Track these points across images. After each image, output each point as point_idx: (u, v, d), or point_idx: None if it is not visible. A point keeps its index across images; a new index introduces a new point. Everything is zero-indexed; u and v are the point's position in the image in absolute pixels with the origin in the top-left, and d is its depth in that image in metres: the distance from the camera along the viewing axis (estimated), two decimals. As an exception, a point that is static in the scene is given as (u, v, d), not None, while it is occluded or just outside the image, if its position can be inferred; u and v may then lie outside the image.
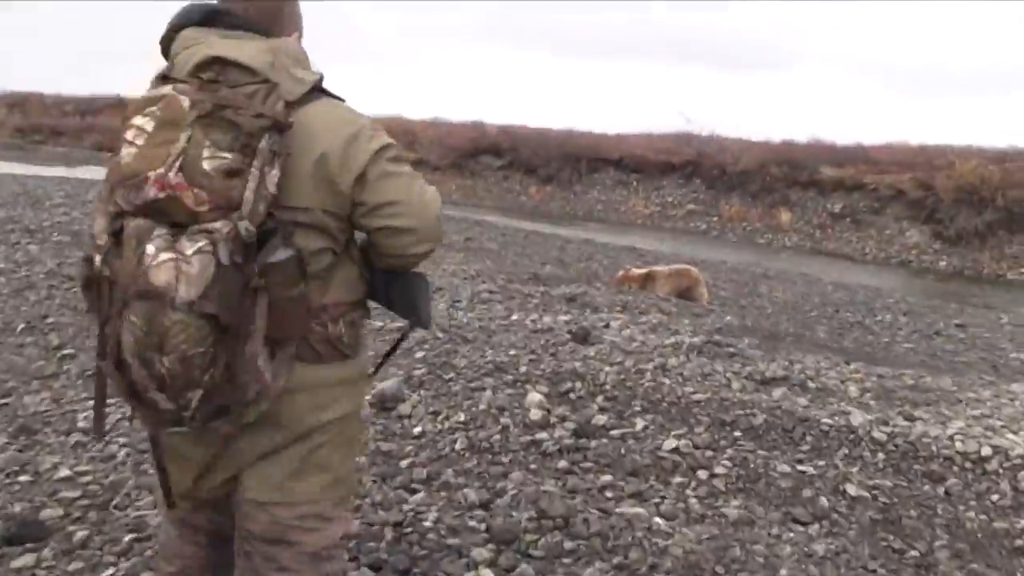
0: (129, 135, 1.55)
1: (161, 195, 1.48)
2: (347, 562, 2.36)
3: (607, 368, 5.33)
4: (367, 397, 4.01)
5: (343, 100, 1.78)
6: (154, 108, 1.56)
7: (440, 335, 5.88)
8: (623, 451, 4.16)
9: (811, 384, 5.60)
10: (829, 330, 9.09)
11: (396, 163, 1.77)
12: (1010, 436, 4.73)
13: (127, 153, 1.54)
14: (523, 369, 5.20)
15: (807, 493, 3.98)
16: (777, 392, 5.24)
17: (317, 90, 1.72)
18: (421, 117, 34.11)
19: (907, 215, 19.84)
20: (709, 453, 4.27)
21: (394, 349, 2.19)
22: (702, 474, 4.04)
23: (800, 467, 4.24)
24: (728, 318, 8.65)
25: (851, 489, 4.05)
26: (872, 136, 24.38)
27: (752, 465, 4.19)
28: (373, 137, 1.73)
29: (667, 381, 5.22)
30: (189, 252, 1.45)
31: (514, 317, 6.71)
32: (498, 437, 4.11)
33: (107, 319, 1.54)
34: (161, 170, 1.49)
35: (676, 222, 22.93)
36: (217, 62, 1.62)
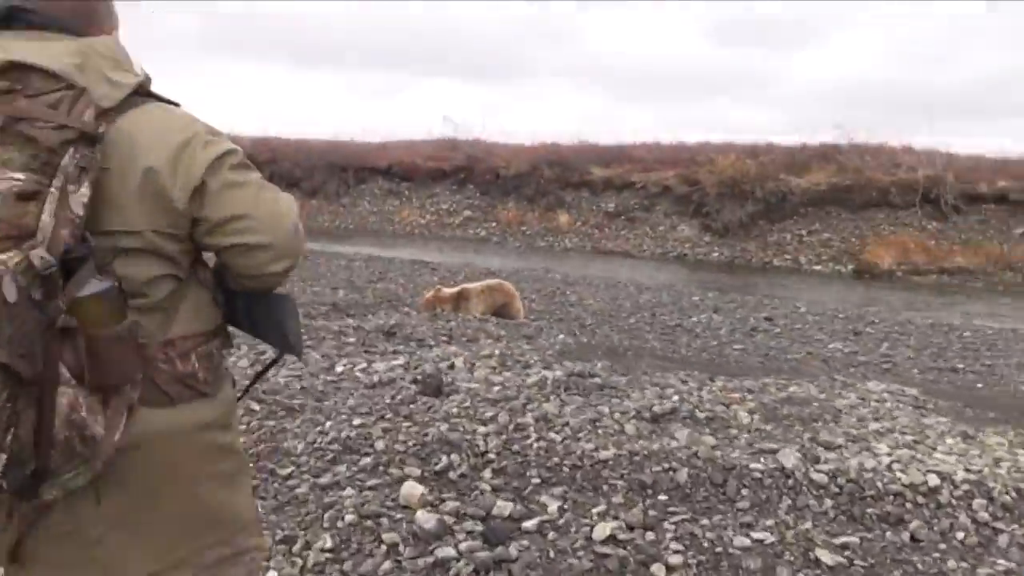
0: None
1: None
2: None
3: (481, 429, 4.26)
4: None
5: (176, 104, 1.53)
6: None
7: (255, 407, 4.50)
8: (551, 554, 3.12)
9: (699, 414, 4.89)
10: (658, 338, 8.64)
11: (240, 171, 1.53)
12: (939, 456, 4.27)
13: None
14: (379, 445, 4.00)
15: (783, 572, 3.17)
16: (679, 433, 4.45)
17: (142, 94, 1.46)
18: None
19: (676, 211, 20.50)
20: (650, 535, 3.35)
21: (258, 377, 1.99)
22: (658, 570, 3.10)
23: (754, 534, 3.44)
24: (560, 336, 7.91)
25: (823, 556, 3.31)
26: (603, 137, 24.95)
27: (705, 544, 3.32)
28: (209, 143, 1.48)
29: (557, 437, 4.25)
30: None
31: (339, 368, 5.43)
32: (388, 566, 2.90)
33: None
34: None
35: (454, 230, 22.20)
36: (15, 68, 1.32)
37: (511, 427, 4.35)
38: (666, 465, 3.98)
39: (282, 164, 26.17)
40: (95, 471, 1.34)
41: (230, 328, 1.70)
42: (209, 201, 1.47)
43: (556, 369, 5.73)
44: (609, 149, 23.97)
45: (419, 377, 5.16)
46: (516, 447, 4.09)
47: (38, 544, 1.46)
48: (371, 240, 20.32)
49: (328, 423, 4.27)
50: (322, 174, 25.57)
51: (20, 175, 1.26)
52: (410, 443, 4.05)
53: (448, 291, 9.26)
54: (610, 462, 3.99)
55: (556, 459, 3.99)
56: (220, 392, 1.61)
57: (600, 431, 4.43)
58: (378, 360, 5.73)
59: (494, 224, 22.07)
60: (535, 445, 4.12)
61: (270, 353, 2.06)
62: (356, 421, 4.29)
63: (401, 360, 5.72)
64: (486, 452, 4.01)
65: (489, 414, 4.50)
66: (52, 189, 1.27)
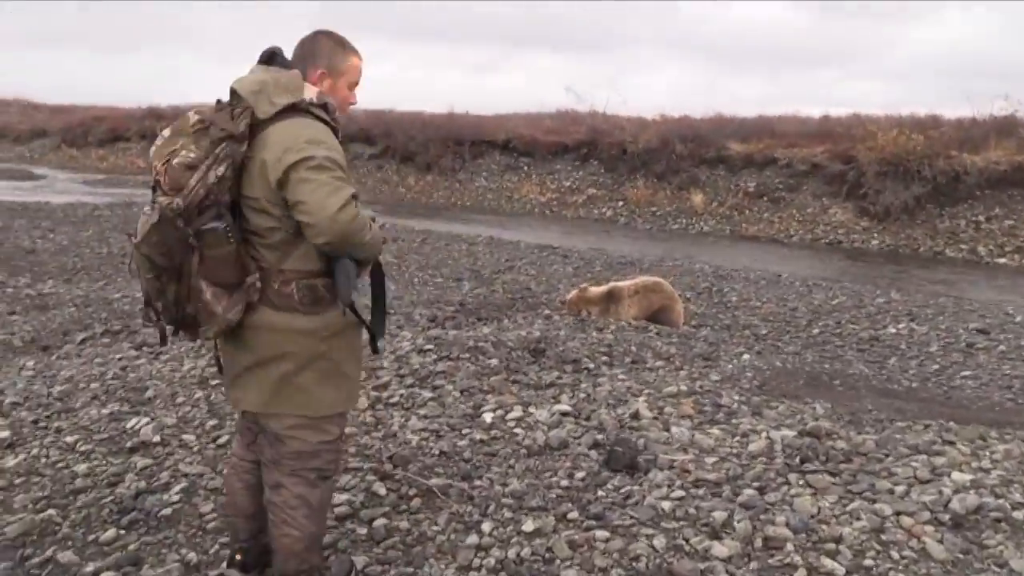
0: (157, 140, 2.26)
1: (157, 178, 2.18)
2: (340, 453, 2.61)
3: (716, 549, 2.80)
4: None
5: (315, 118, 2.29)
6: (176, 123, 2.27)
7: (380, 491, 3.17)
8: None
9: (1016, 514, 3.31)
10: (861, 358, 6.94)
11: (313, 171, 2.18)
12: None
13: (151, 149, 2.26)
14: (570, 577, 2.59)
15: None
16: (1019, 562, 2.88)
17: (299, 110, 2.26)
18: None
19: (826, 191, 18.28)
20: None
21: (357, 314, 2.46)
22: None
23: None
24: (744, 355, 6.35)
25: None
26: (706, 110, 22.74)
27: None
28: (301, 149, 2.18)
29: (835, 567, 2.76)
30: (146, 213, 2.18)
31: (487, 417, 4.05)
32: None
33: None
34: (158, 163, 2.18)
35: (577, 209, 20.60)
36: (234, 93, 2.27)
37: (758, 542, 2.88)
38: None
39: (396, 138, 25.19)
40: (216, 332, 2.27)
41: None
42: (288, 188, 2.20)
43: (778, 425, 4.21)
44: (747, 123, 21.77)
45: (600, 439, 3.74)
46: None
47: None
48: (489, 219, 18.99)
49: (486, 525, 2.90)
50: (437, 148, 24.34)
51: (193, 154, 2.15)
52: (614, 573, 2.64)
53: (596, 291, 7.79)
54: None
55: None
56: (319, 314, 2.33)
57: (894, 552, 2.91)
58: (535, 402, 4.33)
59: (621, 203, 20.30)
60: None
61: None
62: (528, 524, 2.91)
63: (566, 403, 4.30)
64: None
65: (717, 514, 3.04)
66: (203, 165, 2.14)
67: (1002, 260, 15.11)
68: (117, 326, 6.01)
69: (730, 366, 5.85)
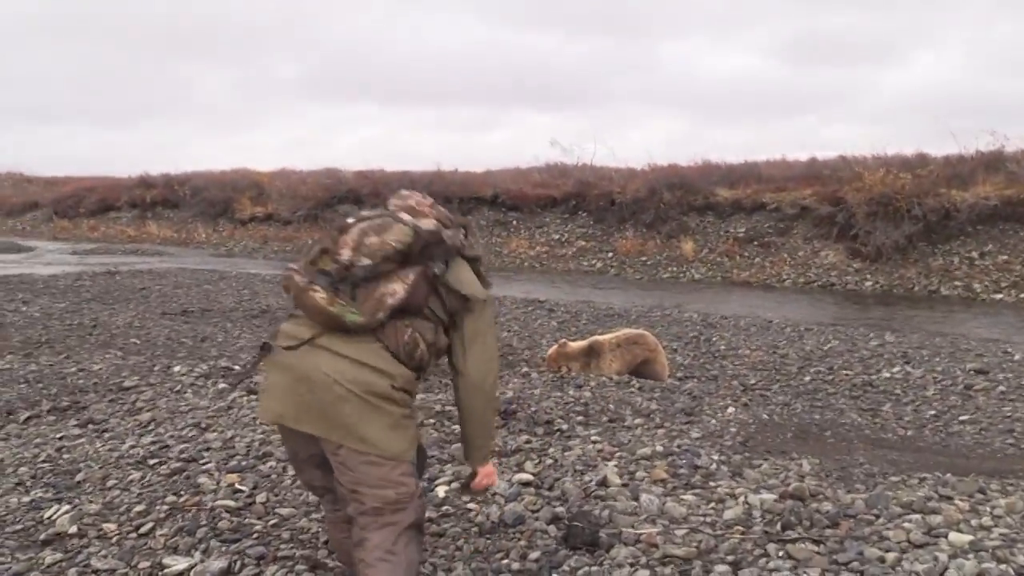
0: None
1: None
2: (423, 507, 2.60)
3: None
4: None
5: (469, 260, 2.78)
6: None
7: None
8: None
9: (1023, 580, 2.96)
10: (854, 406, 6.62)
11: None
12: None
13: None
14: None
15: None
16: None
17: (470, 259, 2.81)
18: (267, 168, 30.59)
19: (817, 234, 18.11)
20: None
21: None
22: None
23: None
24: (729, 409, 6.02)
25: None
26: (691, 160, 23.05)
27: None
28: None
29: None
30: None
31: (440, 490, 3.73)
32: None
33: None
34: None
35: (567, 262, 20.39)
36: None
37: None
38: None
39: (385, 197, 25.04)
40: (358, 323, 2.42)
41: None
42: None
43: (758, 487, 3.88)
44: (735, 168, 21.75)
45: (560, 512, 3.41)
46: None
47: None
48: (478, 275, 18.78)
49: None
50: (426, 206, 24.26)
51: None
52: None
53: (575, 345, 7.49)
54: None
55: None
56: (408, 371, 2.49)
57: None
58: (497, 470, 4.00)
59: (611, 254, 20.12)
60: None
61: None
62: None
63: (529, 471, 3.98)
64: None
65: (687, 599, 2.71)
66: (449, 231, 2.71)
67: (999, 296, 14.84)
68: (66, 402, 5.70)
69: (713, 421, 5.53)
